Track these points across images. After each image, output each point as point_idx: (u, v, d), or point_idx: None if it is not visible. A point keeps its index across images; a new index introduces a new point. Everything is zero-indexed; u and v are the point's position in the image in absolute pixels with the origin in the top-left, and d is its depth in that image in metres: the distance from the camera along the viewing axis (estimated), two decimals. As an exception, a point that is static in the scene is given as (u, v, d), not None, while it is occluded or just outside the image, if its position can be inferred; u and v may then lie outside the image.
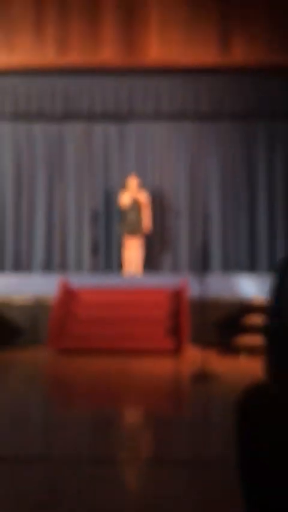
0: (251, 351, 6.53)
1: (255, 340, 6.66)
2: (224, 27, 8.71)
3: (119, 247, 9.29)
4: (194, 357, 6.32)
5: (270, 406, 1.55)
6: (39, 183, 9.49)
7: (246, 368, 5.92)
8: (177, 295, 7.38)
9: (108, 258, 9.45)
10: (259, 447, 1.53)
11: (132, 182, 8.79)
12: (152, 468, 3.03)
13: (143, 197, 8.84)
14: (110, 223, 9.46)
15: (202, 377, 5.33)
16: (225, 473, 2.89)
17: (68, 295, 7.57)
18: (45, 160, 9.49)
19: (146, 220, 8.81)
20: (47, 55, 8.87)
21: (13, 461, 3.05)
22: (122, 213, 9.03)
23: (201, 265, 5.58)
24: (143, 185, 9.22)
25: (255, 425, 1.57)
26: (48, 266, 9.38)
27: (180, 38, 8.75)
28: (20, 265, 9.37)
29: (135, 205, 8.73)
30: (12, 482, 2.87)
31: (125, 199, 8.76)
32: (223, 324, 7.23)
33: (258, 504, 1.55)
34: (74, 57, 8.85)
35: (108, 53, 8.81)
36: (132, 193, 8.75)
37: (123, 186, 9.15)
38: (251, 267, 9.18)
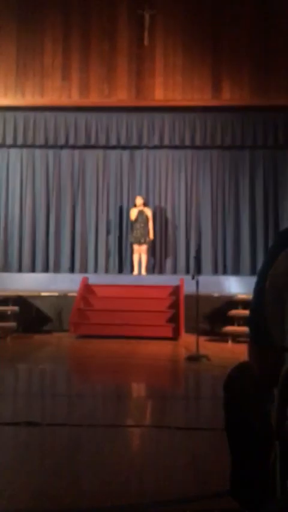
0: (235, 337, 6.50)
1: (239, 328, 6.64)
2: (215, 74, 8.73)
3: (129, 253, 9.29)
4: (189, 342, 6.32)
5: (251, 380, 1.54)
6: (65, 200, 9.49)
7: (231, 351, 5.90)
8: (175, 292, 7.36)
9: (120, 261, 9.44)
10: (241, 412, 1.52)
11: (140, 200, 8.78)
12: (153, 432, 3.00)
13: (148, 212, 8.83)
14: (121, 233, 9.46)
15: (195, 358, 5.30)
16: (213, 435, 2.86)
17: (87, 290, 7.57)
18: (69, 182, 9.49)
19: (151, 231, 8.79)
20: (72, 96, 8.91)
21: (41, 425, 3.03)
22: (131, 225, 9.04)
23: (195, 268, 5.55)
24: (148, 202, 9.23)
25: (239, 395, 1.56)
26: (71, 268, 9.37)
27: (180, 83, 8.78)
28: (49, 267, 9.36)
29: (142, 219, 8.71)
30: (40, 442, 2.85)
31: (133, 214, 8.75)
32: (213, 315, 7.21)
33: (241, 456, 1.54)
34: (94, 98, 8.88)
35: (122, 95, 8.84)
36: (139, 209, 8.74)
37: (132, 203, 9.17)
38: (236, 270, 9.14)
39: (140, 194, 9.06)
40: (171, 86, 8.78)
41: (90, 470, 2.39)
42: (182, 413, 3.60)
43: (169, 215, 9.45)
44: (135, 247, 8.74)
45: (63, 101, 8.92)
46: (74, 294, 7.35)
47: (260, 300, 1.46)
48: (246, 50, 8.65)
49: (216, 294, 7.39)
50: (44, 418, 3.19)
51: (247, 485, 1.53)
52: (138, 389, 4.50)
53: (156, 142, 9.21)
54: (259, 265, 9.02)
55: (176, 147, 9.35)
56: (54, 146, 9.41)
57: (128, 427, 3.12)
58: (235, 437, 1.54)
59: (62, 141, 9.29)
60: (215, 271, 9.20)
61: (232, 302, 7.08)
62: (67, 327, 6.99)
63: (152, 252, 9.29)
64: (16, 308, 7.10)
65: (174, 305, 7.10)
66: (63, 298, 7.44)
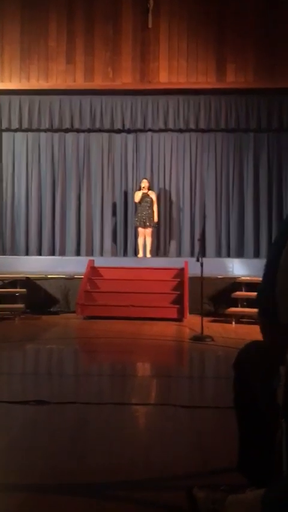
0: (239, 318, 6.51)
1: (242, 310, 6.64)
2: (219, 57, 8.58)
3: (134, 236, 9.27)
4: (193, 323, 6.33)
5: (259, 359, 1.53)
6: (70, 184, 9.44)
7: (235, 332, 5.91)
8: (180, 274, 7.36)
9: (125, 244, 9.43)
10: (249, 390, 1.51)
11: (145, 183, 8.72)
12: (159, 410, 3.02)
13: (153, 195, 8.78)
14: (126, 216, 9.43)
15: (200, 338, 5.32)
16: (217, 413, 2.88)
17: (93, 273, 7.58)
18: (75, 165, 9.43)
19: (155, 214, 8.74)
20: (76, 80, 8.79)
21: (50, 403, 3.05)
22: (136, 208, 9.00)
23: (200, 250, 5.52)
24: (152, 186, 9.17)
25: (247, 374, 1.56)
26: (77, 250, 9.37)
27: (184, 66, 8.64)
28: (55, 250, 9.36)
29: (147, 202, 8.66)
30: (49, 421, 2.87)
31: (138, 196, 8.69)
32: (217, 297, 7.21)
33: (248, 433, 1.54)
34: (98, 81, 8.76)
35: (126, 78, 8.71)
36: (144, 192, 8.68)
37: (137, 186, 9.11)
38: (240, 252, 9.11)
39: (144, 177, 9.00)
40: (175, 69, 8.64)
41: (98, 447, 2.41)
42: (186, 392, 3.62)
43: (173, 198, 9.40)
44: (140, 230, 8.71)
45: (68, 84, 8.81)
46: (81, 277, 7.36)
47: (271, 277, 1.43)
48: (251, 33, 8.47)
49: (220, 276, 7.39)
50: (52, 397, 3.21)
51: (255, 461, 1.53)
52: (143, 368, 4.53)
53: (160, 125, 9.10)
54: (263, 247, 9.01)
55: (180, 131, 9.24)
56: (59, 130, 9.32)
57: (134, 405, 3.14)
58: (243, 415, 1.54)
59: (67, 125, 9.20)
60: (219, 254, 9.17)
61: (236, 284, 7.08)
62: (74, 309, 7.03)
63: (156, 235, 9.27)
64: (24, 290, 7.13)
65: (179, 287, 7.11)
66: (70, 280, 7.45)
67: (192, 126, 9.06)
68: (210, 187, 9.29)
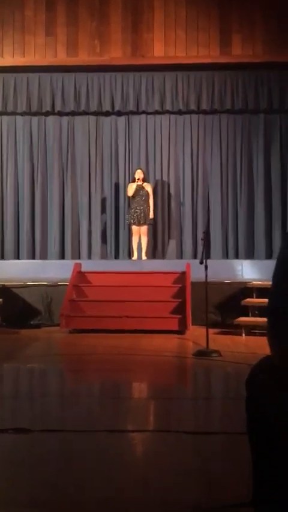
0: (250, 329, 6.52)
1: (253, 319, 6.66)
2: (223, 27, 8.63)
3: (127, 235, 9.27)
4: (197, 335, 6.32)
5: (275, 377, 1.54)
6: (52, 176, 9.44)
7: (245, 345, 5.92)
8: (181, 279, 7.36)
9: (117, 244, 9.44)
10: (263, 413, 1.52)
11: (139, 174, 8.72)
12: (159, 437, 3.02)
13: (149, 188, 8.78)
14: (118, 212, 9.44)
15: (205, 353, 5.32)
16: (226, 440, 2.88)
17: (80, 279, 7.57)
18: (57, 154, 9.43)
19: (151, 209, 8.74)
20: (58, 55, 8.81)
21: (32, 432, 3.04)
22: (129, 203, 9.01)
23: (203, 251, 5.53)
24: (148, 177, 9.18)
25: (261, 394, 1.56)
26: (61, 253, 9.36)
27: (183, 37, 8.67)
28: (35, 253, 9.35)
29: (142, 195, 8.67)
30: (31, 452, 2.86)
31: (131, 190, 8.70)
32: (224, 305, 7.22)
33: (263, 462, 1.54)
34: (83, 56, 8.78)
35: (115, 52, 8.74)
36: (138, 185, 8.69)
37: (130, 177, 9.12)
38: (250, 253, 9.14)
39: (139, 167, 9.02)
40: (172, 41, 8.67)
41: (88, 482, 2.41)
42: (190, 415, 3.62)
43: (172, 191, 9.42)
44: (134, 228, 8.72)
45: (48, 60, 8.83)
46: (66, 283, 7.36)
47: (281, 286, 1.44)
48: (259, -2, 8.53)
49: (227, 281, 7.40)
50: (34, 424, 3.21)
51: (271, 495, 1.53)
52: (140, 389, 4.53)
53: (156, 106, 9.13)
54: (276, 247, 9.04)
55: (179, 112, 9.27)
56: (38, 113, 9.33)
57: (130, 432, 3.14)
58: (257, 442, 1.54)
59: (47, 107, 9.21)
60: (226, 255, 9.20)
61: (246, 289, 7.09)
62: (58, 321, 7.01)
63: (153, 234, 9.28)
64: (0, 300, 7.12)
65: (180, 294, 7.11)
66: (53, 287, 7.44)
67: (192, 107, 9.09)
68: (214, 177, 9.31)
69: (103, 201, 9.50)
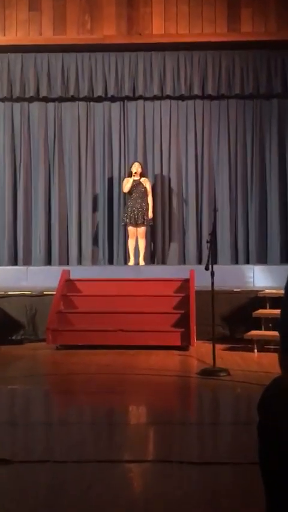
0: (263, 344, 6.52)
1: (267, 333, 6.66)
2: (231, 0, 8.65)
3: (122, 237, 9.28)
4: (202, 352, 6.32)
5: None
6: (38, 170, 9.46)
7: (258, 362, 5.92)
8: (184, 287, 7.37)
9: (111, 248, 9.45)
10: (278, 440, 1.52)
11: (136, 168, 8.74)
12: (159, 468, 3.02)
13: (147, 184, 8.80)
14: (112, 211, 9.45)
15: (211, 372, 5.32)
16: (235, 472, 2.88)
17: (69, 287, 7.58)
18: (42, 145, 9.45)
19: (150, 208, 8.76)
20: (43, 32, 8.83)
21: (13, 463, 3.04)
22: (125, 201, 9.02)
23: (209, 255, 5.55)
24: (146, 171, 9.20)
25: (275, 419, 1.56)
26: (47, 258, 9.37)
27: (185, 12, 8.70)
28: (18, 258, 9.35)
29: (139, 192, 8.69)
30: (13, 486, 2.86)
31: (127, 186, 8.72)
32: (233, 316, 7.22)
33: (278, 494, 1.54)
34: (72, 34, 8.81)
35: (109, 29, 8.77)
36: (135, 180, 8.71)
37: (126, 172, 9.14)
38: (262, 257, 9.15)
39: (136, 160, 9.04)
40: (173, 17, 8.72)
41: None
42: (195, 443, 3.62)
43: (174, 187, 9.44)
44: (131, 229, 8.73)
45: (32, 38, 8.86)
46: (52, 292, 7.35)
47: None
48: None
49: (237, 289, 7.41)
50: (17, 454, 3.20)
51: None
52: (138, 414, 4.53)
53: (155, 91, 9.16)
54: (293, 250, 9.06)
55: (181, 98, 9.31)
56: (21, 99, 9.37)
57: (126, 463, 3.14)
58: (272, 473, 1.55)
59: (31, 92, 9.24)
60: (235, 260, 9.22)
61: (258, 299, 7.09)
62: (43, 335, 7.01)
63: (152, 236, 9.29)
64: (-23, 312, 7.12)
65: (183, 304, 7.12)
66: (38, 297, 7.44)
67: (196, 91, 9.13)
68: (222, 171, 9.34)
69: (95, 199, 9.52)
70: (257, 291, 7.29)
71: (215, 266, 5.53)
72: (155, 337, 6.74)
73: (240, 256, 9.23)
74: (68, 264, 9.21)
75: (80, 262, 9.36)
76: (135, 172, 8.70)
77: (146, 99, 9.37)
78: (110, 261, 9.42)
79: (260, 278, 8.00)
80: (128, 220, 8.69)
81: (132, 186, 8.69)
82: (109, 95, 9.26)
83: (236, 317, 7.20)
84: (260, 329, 6.77)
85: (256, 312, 6.87)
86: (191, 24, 8.70)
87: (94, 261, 9.39)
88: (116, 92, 9.21)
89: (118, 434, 3.79)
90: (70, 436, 3.72)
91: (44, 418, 4.38)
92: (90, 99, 9.38)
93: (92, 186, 9.49)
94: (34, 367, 6.05)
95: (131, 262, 8.74)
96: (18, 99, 9.38)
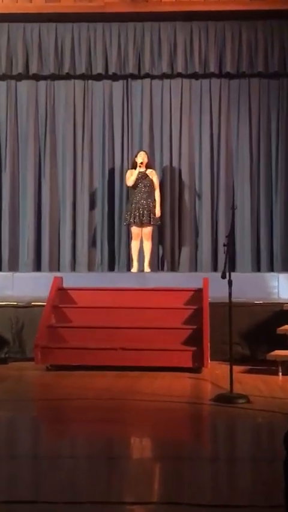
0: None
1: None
2: None
3: (125, 239, 9.28)
4: (217, 374, 6.31)
5: None
6: (26, 159, 9.48)
7: (282, 387, 5.91)
8: (196, 298, 7.36)
9: (111, 252, 9.45)
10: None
11: (142, 158, 8.75)
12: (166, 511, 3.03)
13: (154, 177, 8.81)
14: (113, 208, 9.46)
15: (228, 399, 5.31)
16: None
17: (62, 297, 7.58)
18: (32, 130, 9.47)
19: (158, 205, 8.76)
20: (34, 0, 8.86)
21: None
22: (128, 197, 9.02)
23: (227, 261, 5.54)
24: (153, 161, 9.21)
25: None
26: (36, 263, 9.38)
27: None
28: (2, 263, 9.38)
29: (145, 187, 8.69)
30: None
31: (132, 179, 8.72)
32: (254, 333, 7.21)
33: None
34: (68, 1, 8.84)
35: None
36: (141, 172, 8.71)
37: (129, 163, 9.15)
38: (289, 263, 9.16)
39: (141, 149, 9.05)
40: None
41: None
42: (208, 482, 3.61)
43: (186, 180, 9.45)
44: (135, 230, 8.74)
45: (21, 5, 8.90)
46: (42, 303, 7.36)
47: None
48: None
49: (259, 301, 7.40)
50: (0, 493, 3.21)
51: None
52: (141, 446, 4.53)
53: (164, 68, 9.19)
54: None
55: (195, 76, 9.34)
56: (7, 76, 9.42)
57: (128, 505, 3.13)
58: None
59: (19, 68, 9.29)
60: (257, 267, 9.21)
61: (283, 313, 7.09)
62: (32, 354, 7.01)
63: (159, 238, 9.30)
64: None
65: (195, 318, 7.12)
66: (24, 309, 7.45)
67: (213, 69, 9.14)
68: (242, 162, 9.35)
69: (93, 194, 9.53)
70: (283, 303, 7.28)
71: (233, 274, 5.53)
72: (161, 356, 6.73)
73: (263, 263, 9.22)
74: (60, 270, 9.21)
75: (74, 268, 9.36)
76: (141, 163, 8.71)
77: (153, 77, 9.38)
78: (110, 267, 9.41)
79: (285, 288, 7.99)
80: (131, 219, 8.69)
81: (137, 179, 8.70)
82: (110, 73, 9.28)
83: (257, 334, 7.19)
84: (286, 348, 6.77)
85: (281, 328, 6.86)
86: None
87: (91, 267, 9.39)
88: (118, 69, 9.23)
89: (118, 471, 3.78)
90: (61, 473, 3.72)
91: (31, 450, 4.37)
92: (88, 77, 9.40)
93: (89, 178, 9.50)
94: (20, 391, 6.04)
95: (135, 268, 8.74)
96: (4, 77, 9.42)
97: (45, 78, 9.45)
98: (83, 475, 3.73)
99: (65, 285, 7.77)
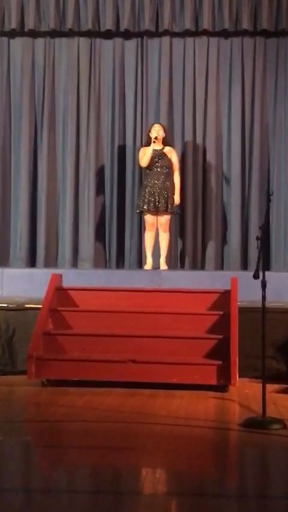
0: None
1: None
2: None
3: (137, 230, 9.28)
4: (247, 394, 6.29)
5: None
6: (19, 132, 9.52)
7: None
8: (222, 302, 7.35)
9: (120, 245, 9.46)
10: None
11: (157, 132, 8.74)
12: None
13: (173, 156, 8.80)
14: (123, 193, 9.46)
15: (260, 423, 5.30)
16: None
17: (60, 299, 7.59)
18: (27, 97, 9.50)
19: (177, 190, 8.76)
20: None
21: None
22: (141, 179, 9.02)
23: (260, 258, 5.53)
24: (172, 137, 9.19)
25: None
26: (31, 257, 9.40)
27: None
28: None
29: (162, 167, 8.69)
30: None
31: (146, 158, 8.72)
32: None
33: None
34: None
35: None
36: (157, 150, 8.70)
37: (143, 139, 9.13)
38: None
39: (157, 122, 9.04)
40: None
41: None
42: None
43: (211, 160, 9.45)
44: (149, 219, 8.74)
45: None
46: (37, 306, 7.37)
47: None
48: None
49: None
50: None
51: None
52: (154, 480, 4.52)
53: (187, 24, 9.20)
54: None
55: (224, 34, 9.34)
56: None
57: None
58: None
59: (12, 24, 9.33)
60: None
61: None
62: (24, 366, 7.02)
63: (179, 229, 9.30)
64: None
65: (221, 326, 7.11)
66: (16, 312, 7.46)
67: (246, 25, 9.15)
68: (280, 139, 9.37)
69: (99, 175, 9.53)
70: None
71: (267, 273, 5.51)
72: (180, 371, 6.74)
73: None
74: (58, 266, 9.22)
75: (75, 264, 9.37)
76: (156, 138, 8.70)
77: (173, 35, 9.38)
78: (119, 264, 9.42)
79: None
80: (145, 206, 8.69)
81: (152, 159, 8.69)
82: (122, 29, 9.29)
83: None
84: None
85: None
86: None
87: (96, 263, 9.40)
88: (131, 25, 9.24)
89: (125, 509, 3.78)
90: (59, 509, 3.72)
91: (23, 482, 4.38)
92: (95, 34, 9.41)
93: (96, 157, 9.51)
94: (10, 411, 6.07)
95: (148, 265, 8.75)
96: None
97: (43, 35, 9.47)
98: (85, 513, 3.73)
99: (64, 284, 7.78)
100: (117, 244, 9.47)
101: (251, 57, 9.38)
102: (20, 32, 9.39)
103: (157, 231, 8.73)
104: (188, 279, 8.25)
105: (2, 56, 9.54)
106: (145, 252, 8.88)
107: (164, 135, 8.77)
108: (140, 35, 9.42)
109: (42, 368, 6.87)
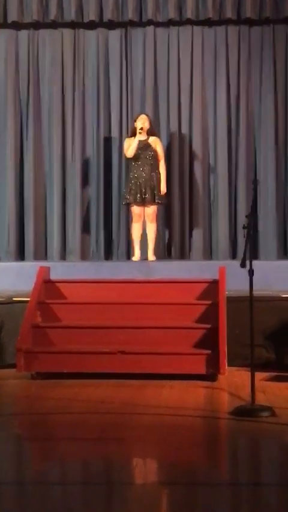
0: None
1: None
2: None
3: (124, 221, 9.28)
4: (236, 382, 6.31)
5: None
6: (4, 124, 9.52)
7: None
8: (210, 292, 7.37)
9: (108, 237, 9.45)
10: None
11: (143, 122, 8.72)
12: None
13: (159, 146, 8.80)
14: (110, 185, 9.45)
15: (249, 412, 5.32)
16: None
17: (49, 292, 7.58)
18: (12, 88, 9.48)
19: (163, 180, 8.76)
20: None
21: None
22: (127, 170, 9.01)
23: (247, 247, 5.53)
24: (158, 127, 9.19)
25: None
26: (19, 250, 9.40)
27: None
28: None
29: (147, 157, 8.68)
30: None
31: (132, 148, 8.71)
32: (280, 334, 7.22)
33: None
34: None
35: None
36: (142, 140, 8.69)
37: (129, 128, 9.12)
38: None
39: (143, 112, 9.03)
40: None
41: None
42: (226, 512, 3.62)
43: (197, 149, 9.45)
44: (136, 210, 8.74)
45: None
46: (25, 299, 7.37)
47: None
48: None
49: (286, 295, 7.39)
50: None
51: None
52: (145, 470, 4.53)
53: (171, 14, 9.19)
54: None
55: (208, 23, 9.34)
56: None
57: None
58: None
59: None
60: (284, 253, 9.21)
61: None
62: (13, 359, 7.02)
63: (166, 219, 9.29)
64: None
65: (209, 316, 7.13)
66: (4, 306, 7.45)
67: (230, 14, 9.14)
68: (265, 127, 9.37)
69: (85, 167, 9.52)
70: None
71: (255, 262, 5.52)
72: (169, 362, 6.75)
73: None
74: (46, 258, 9.21)
75: (63, 256, 9.37)
76: (141, 129, 8.69)
77: (157, 24, 9.37)
78: (107, 255, 9.42)
79: None
80: (131, 197, 8.69)
81: (138, 149, 8.68)
82: (105, 20, 9.26)
83: (284, 334, 7.19)
84: None
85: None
86: None
87: (84, 255, 9.40)
88: (115, 15, 9.22)
89: (117, 499, 3.78)
90: (49, 501, 3.72)
91: (14, 475, 4.38)
92: (79, 25, 9.37)
93: (81, 148, 9.50)
94: (0, 404, 6.07)
95: (136, 256, 8.75)
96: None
97: (27, 26, 9.43)
98: (75, 505, 3.73)
99: (52, 277, 7.77)
100: (104, 236, 9.47)
101: (236, 46, 9.39)
102: (3, 23, 9.35)
103: (144, 222, 8.73)
104: (176, 270, 8.28)
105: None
106: (133, 243, 8.88)
107: (149, 126, 8.76)
108: (124, 25, 9.41)
109: (32, 361, 6.87)
